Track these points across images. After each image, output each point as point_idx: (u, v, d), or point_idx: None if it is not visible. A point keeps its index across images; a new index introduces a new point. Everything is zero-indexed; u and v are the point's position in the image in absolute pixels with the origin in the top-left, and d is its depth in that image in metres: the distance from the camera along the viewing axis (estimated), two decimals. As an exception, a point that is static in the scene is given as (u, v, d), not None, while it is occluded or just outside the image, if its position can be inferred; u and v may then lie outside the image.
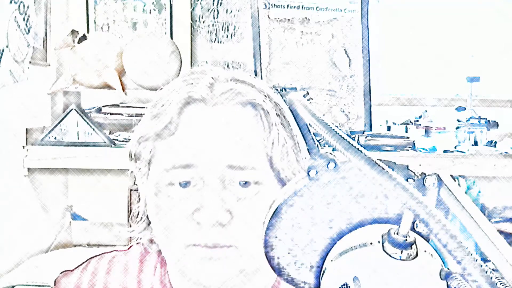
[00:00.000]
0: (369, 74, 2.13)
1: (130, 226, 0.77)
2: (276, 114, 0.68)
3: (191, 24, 2.18)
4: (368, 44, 2.13)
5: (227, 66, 2.18)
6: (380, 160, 0.43)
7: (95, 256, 0.82)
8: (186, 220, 0.65)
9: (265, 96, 0.68)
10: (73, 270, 0.81)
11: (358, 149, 0.43)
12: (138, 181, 0.72)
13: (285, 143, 0.68)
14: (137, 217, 0.74)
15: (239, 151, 0.65)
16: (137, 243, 0.81)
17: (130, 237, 0.77)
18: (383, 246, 0.43)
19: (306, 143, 0.49)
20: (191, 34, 2.18)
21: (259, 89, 0.69)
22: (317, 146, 0.48)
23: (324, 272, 0.47)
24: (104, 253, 0.82)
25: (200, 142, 0.65)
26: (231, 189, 0.65)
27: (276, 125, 0.67)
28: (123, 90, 1.91)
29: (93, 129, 1.85)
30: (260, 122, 0.67)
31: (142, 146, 0.69)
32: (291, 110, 0.52)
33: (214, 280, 0.66)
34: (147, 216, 0.73)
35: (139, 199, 0.74)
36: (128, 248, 0.82)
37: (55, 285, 0.81)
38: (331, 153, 0.47)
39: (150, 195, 0.69)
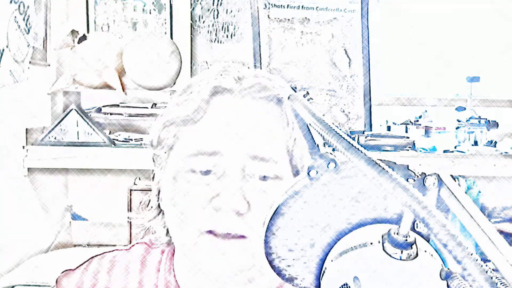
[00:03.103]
0: (369, 74, 2.13)
1: (131, 217, 0.78)
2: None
3: (191, 24, 2.18)
4: (368, 44, 2.13)
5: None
6: (380, 160, 0.42)
7: (96, 255, 0.82)
8: (204, 206, 0.65)
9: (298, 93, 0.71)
10: (74, 269, 0.81)
11: (358, 149, 0.43)
12: (156, 168, 0.73)
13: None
14: (147, 205, 0.75)
15: (262, 142, 0.67)
16: (139, 243, 0.81)
17: (130, 232, 0.78)
18: (383, 246, 0.43)
19: (306, 143, 0.49)
20: (191, 34, 2.18)
21: (283, 86, 0.71)
22: (317, 146, 0.48)
23: (324, 272, 0.47)
24: (105, 252, 0.82)
25: (225, 131, 0.67)
26: (250, 180, 0.66)
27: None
28: (123, 90, 1.91)
29: (93, 129, 1.85)
30: (285, 118, 0.69)
31: (166, 131, 0.70)
32: (291, 111, 0.52)
33: (223, 271, 0.67)
34: (158, 205, 0.73)
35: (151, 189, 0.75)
36: (130, 248, 0.81)
37: (56, 284, 0.81)
38: (331, 153, 0.47)
39: (168, 180, 0.69)
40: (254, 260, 0.67)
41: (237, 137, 0.66)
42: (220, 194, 0.65)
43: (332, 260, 0.46)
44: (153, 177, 0.75)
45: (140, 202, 0.76)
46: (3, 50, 1.58)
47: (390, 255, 0.42)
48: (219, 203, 0.64)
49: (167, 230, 0.75)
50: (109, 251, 0.82)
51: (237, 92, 0.68)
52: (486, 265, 0.36)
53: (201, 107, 0.67)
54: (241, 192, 0.65)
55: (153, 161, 0.74)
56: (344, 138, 0.44)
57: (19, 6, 1.65)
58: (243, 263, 0.67)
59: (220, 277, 0.69)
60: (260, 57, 2.08)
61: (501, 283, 0.36)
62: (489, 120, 2.03)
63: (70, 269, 0.81)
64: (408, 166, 0.47)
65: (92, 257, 0.82)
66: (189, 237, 0.67)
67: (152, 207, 0.75)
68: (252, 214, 0.65)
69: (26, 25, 1.70)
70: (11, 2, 1.61)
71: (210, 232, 0.65)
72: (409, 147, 1.91)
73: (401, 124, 2.13)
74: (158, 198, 0.74)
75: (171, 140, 0.70)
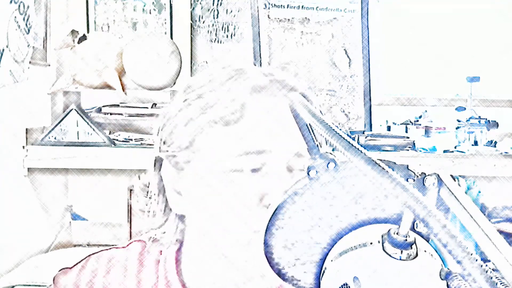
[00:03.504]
0: (369, 74, 2.13)
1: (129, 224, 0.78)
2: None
3: (191, 24, 2.18)
4: (368, 44, 2.13)
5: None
6: (380, 160, 0.42)
7: (94, 253, 0.81)
8: (254, 204, 0.65)
9: (309, 88, 0.72)
10: (71, 268, 0.81)
11: (358, 149, 0.43)
12: (167, 168, 0.71)
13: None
14: (149, 210, 0.74)
15: (300, 137, 0.67)
16: (136, 240, 0.81)
17: (130, 232, 0.78)
18: (383, 246, 0.43)
19: (306, 143, 0.49)
20: (191, 34, 2.18)
21: (300, 83, 0.72)
22: (317, 146, 0.48)
23: (324, 272, 0.47)
24: (102, 250, 0.81)
25: (269, 130, 0.67)
26: (295, 177, 0.66)
27: None
28: (123, 90, 1.91)
29: (93, 129, 1.85)
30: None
31: (185, 130, 0.68)
32: (291, 111, 0.52)
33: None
34: (164, 209, 0.73)
35: (152, 193, 0.74)
36: (127, 245, 0.81)
37: (53, 283, 0.81)
38: (331, 153, 0.47)
39: (199, 182, 0.68)
40: None
41: (282, 136, 0.67)
42: (270, 192, 0.65)
43: (332, 260, 0.46)
44: (152, 181, 0.75)
45: (146, 205, 0.76)
46: (3, 50, 1.58)
47: (390, 255, 0.42)
48: (270, 201, 0.64)
49: (175, 229, 0.75)
50: (106, 249, 0.81)
51: (269, 89, 0.69)
52: (486, 265, 0.36)
53: (237, 109, 0.66)
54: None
55: (154, 164, 0.73)
56: (344, 138, 0.44)
57: (19, 6, 1.65)
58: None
59: (265, 277, 0.69)
60: (260, 57, 2.08)
61: (501, 283, 0.36)
62: (489, 120, 2.03)
63: (68, 268, 0.81)
64: (408, 166, 0.47)
65: (89, 255, 0.81)
66: (241, 237, 0.66)
67: (156, 212, 0.74)
68: None
69: (26, 25, 1.70)
70: (11, 2, 1.61)
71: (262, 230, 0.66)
72: (409, 147, 1.91)
73: (401, 124, 2.12)
74: (165, 202, 0.73)
75: (190, 140, 0.68)
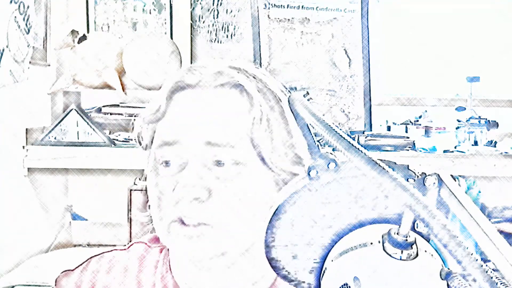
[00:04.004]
0: (369, 74, 2.13)
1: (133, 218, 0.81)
2: (264, 98, 0.69)
3: (191, 24, 2.18)
4: (368, 44, 2.13)
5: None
6: (380, 160, 0.43)
7: (95, 255, 0.82)
8: (169, 196, 0.67)
9: (253, 78, 0.70)
10: (73, 270, 0.81)
11: (358, 149, 0.43)
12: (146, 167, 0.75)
13: (269, 126, 0.68)
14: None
15: (218, 128, 0.67)
16: (137, 242, 0.81)
17: (130, 232, 0.80)
18: (383, 246, 0.43)
19: (306, 143, 0.49)
20: (191, 34, 2.18)
21: (249, 73, 0.71)
22: (318, 146, 0.48)
23: (324, 272, 0.47)
24: (104, 252, 0.82)
25: (182, 121, 0.68)
26: (211, 167, 0.66)
27: (261, 106, 0.68)
28: (123, 90, 1.91)
29: (93, 129, 1.85)
30: (245, 104, 0.69)
31: (144, 131, 0.73)
32: (291, 110, 0.52)
33: (197, 258, 0.68)
34: None
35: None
36: (128, 247, 0.82)
37: (55, 284, 0.81)
38: (331, 153, 0.47)
39: (147, 173, 0.72)
40: (224, 247, 0.67)
41: (192, 126, 0.67)
42: (179, 183, 0.65)
43: (332, 260, 0.46)
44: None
45: (147, 201, 0.77)
46: (3, 50, 1.58)
47: (390, 255, 0.42)
48: (179, 192, 0.65)
49: None
50: (108, 251, 0.82)
51: (195, 84, 0.69)
52: (486, 265, 0.37)
53: (162, 105, 0.69)
54: (200, 180, 0.65)
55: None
56: (344, 138, 0.44)
57: (19, 6, 1.65)
58: (211, 250, 0.67)
59: (192, 264, 0.70)
60: (260, 57, 2.08)
61: (501, 283, 0.36)
62: (489, 120, 2.03)
63: (70, 269, 0.82)
64: (408, 166, 0.47)
65: (91, 257, 0.82)
66: (163, 226, 0.68)
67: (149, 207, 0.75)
68: (213, 201, 0.66)
69: (26, 25, 1.70)
70: (11, 2, 1.61)
71: (177, 220, 0.66)
72: (409, 147, 1.91)
73: (401, 124, 2.12)
74: None
75: (149, 138, 0.72)
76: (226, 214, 0.66)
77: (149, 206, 0.75)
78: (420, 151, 1.90)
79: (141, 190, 1.92)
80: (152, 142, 0.72)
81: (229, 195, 0.66)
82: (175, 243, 0.68)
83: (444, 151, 1.91)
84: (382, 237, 0.43)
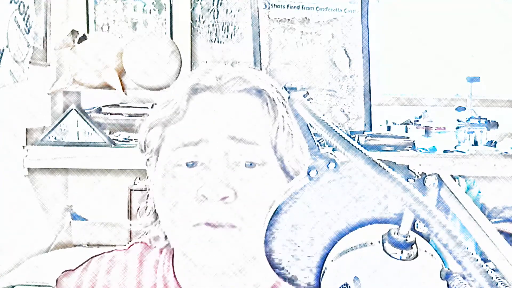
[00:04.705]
0: (369, 74, 2.13)
1: (131, 224, 0.80)
2: (283, 104, 0.70)
3: (191, 24, 2.18)
4: (368, 44, 2.13)
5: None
6: (380, 160, 0.43)
7: (96, 255, 0.82)
8: (192, 197, 0.65)
9: (271, 85, 0.71)
10: (74, 270, 0.82)
11: (358, 149, 0.43)
12: (148, 172, 0.74)
13: (290, 132, 0.69)
14: (145, 211, 0.75)
15: (243, 126, 0.67)
16: (137, 242, 0.81)
17: (130, 232, 0.80)
18: (383, 246, 0.43)
19: (306, 143, 0.49)
20: (191, 34, 2.18)
21: (266, 80, 0.71)
22: (318, 146, 0.48)
23: (324, 272, 0.47)
24: (104, 252, 0.82)
25: (207, 120, 0.67)
26: (236, 168, 0.66)
27: (282, 114, 0.68)
28: (123, 90, 1.91)
29: (93, 129, 1.85)
30: (266, 109, 0.69)
31: (151, 134, 0.71)
32: (291, 110, 0.52)
33: (216, 261, 0.67)
34: (155, 211, 0.73)
35: (148, 195, 0.75)
36: (128, 247, 0.82)
37: (56, 285, 0.82)
38: (331, 153, 0.47)
39: (158, 178, 0.70)
40: (246, 250, 0.67)
41: (218, 122, 0.67)
42: (206, 182, 0.65)
43: (332, 260, 0.46)
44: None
45: (138, 208, 0.77)
46: (3, 50, 1.58)
47: (390, 255, 0.42)
48: (205, 192, 0.64)
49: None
50: (108, 251, 0.82)
51: (216, 88, 0.69)
52: (486, 265, 0.37)
53: (181, 107, 0.68)
54: (226, 180, 0.65)
55: (146, 165, 0.75)
56: (344, 138, 0.44)
57: (19, 6, 1.65)
58: (234, 253, 0.66)
59: (212, 269, 0.69)
60: (260, 57, 2.08)
61: (501, 283, 0.36)
62: (489, 120, 2.03)
63: (70, 270, 0.82)
64: (408, 166, 0.47)
65: (92, 257, 0.82)
66: (183, 231, 0.67)
67: (150, 212, 0.75)
68: (239, 202, 0.65)
69: (26, 25, 1.70)
70: (11, 2, 1.61)
71: (200, 223, 0.65)
72: (409, 147, 1.91)
73: (401, 124, 2.12)
74: (154, 203, 0.74)
75: (157, 142, 0.71)
76: (252, 215, 0.65)
77: (148, 212, 0.75)
78: (420, 151, 1.90)
79: (141, 190, 1.92)
80: (160, 146, 0.71)
81: (255, 196, 0.65)
82: (195, 248, 0.66)
83: (444, 151, 1.91)
84: (382, 237, 0.44)
